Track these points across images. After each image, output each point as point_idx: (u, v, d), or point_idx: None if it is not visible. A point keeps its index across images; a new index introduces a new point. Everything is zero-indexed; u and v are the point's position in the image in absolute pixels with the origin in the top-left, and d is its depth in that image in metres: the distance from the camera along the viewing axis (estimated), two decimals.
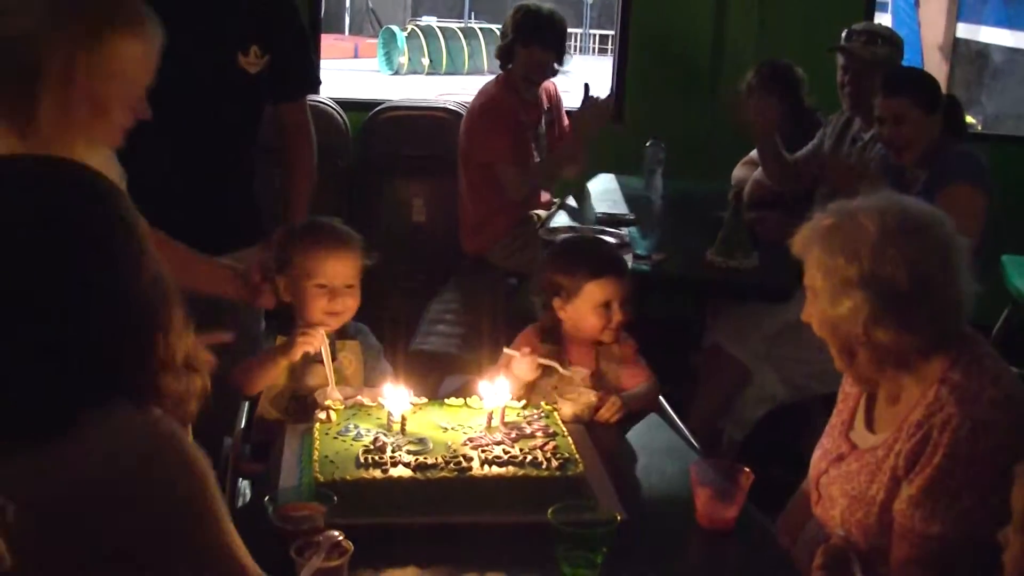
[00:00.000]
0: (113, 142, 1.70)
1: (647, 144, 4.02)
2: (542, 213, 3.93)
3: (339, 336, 2.24)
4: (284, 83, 2.60)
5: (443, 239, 4.26)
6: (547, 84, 3.96)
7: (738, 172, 4.16)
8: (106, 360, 1.11)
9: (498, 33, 3.99)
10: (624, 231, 3.39)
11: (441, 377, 3.60)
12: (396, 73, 12.87)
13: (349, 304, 2.21)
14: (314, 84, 2.83)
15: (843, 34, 3.55)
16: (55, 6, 1.57)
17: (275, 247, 2.26)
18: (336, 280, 2.18)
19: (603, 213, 3.70)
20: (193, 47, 2.34)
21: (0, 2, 1.61)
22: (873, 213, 1.65)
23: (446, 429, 1.90)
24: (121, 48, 1.59)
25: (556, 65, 3.81)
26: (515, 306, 3.61)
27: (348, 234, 2.23)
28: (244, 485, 2.08)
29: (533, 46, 3.71)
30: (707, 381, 3.37)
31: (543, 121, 3.93)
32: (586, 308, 2.21)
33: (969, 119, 4.84)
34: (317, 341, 2.12)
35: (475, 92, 3.95)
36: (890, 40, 3.51)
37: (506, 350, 2.19)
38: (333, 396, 2.03)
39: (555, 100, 4.03)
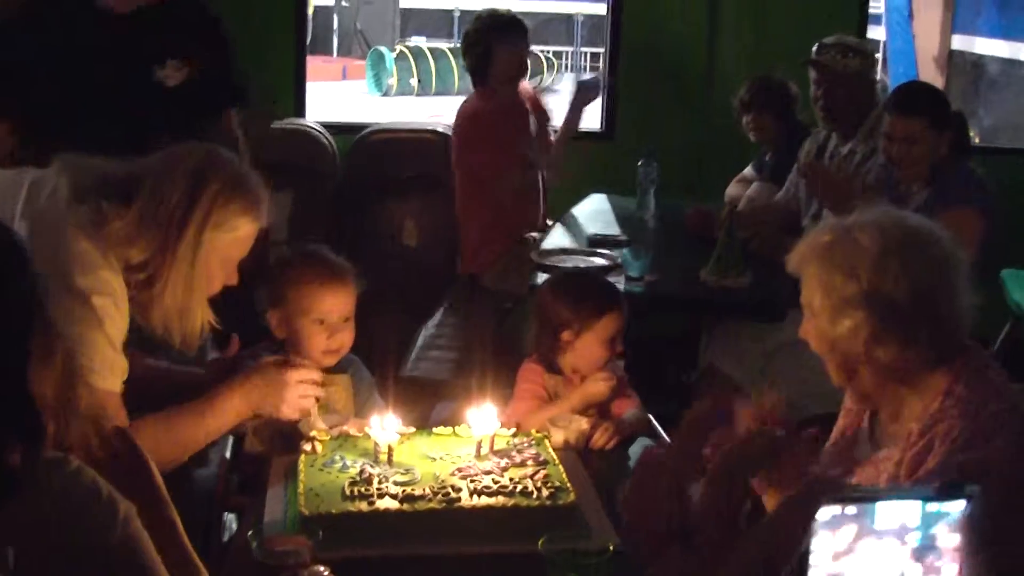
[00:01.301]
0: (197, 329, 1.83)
1: (639, 163, 4.02)
2: (536, 236, 3.93)
3: (328, 370, 2.21)
4: (205, 96, 2.57)
5: (435, 261, 4.27)
6: (530, 94, 3.99)
7: (731, 190, 4.17)
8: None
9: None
10: (616, 252, 3.38)
11: (432, 404, 3.60)
12: (385, 94, 12.91)
13: (346, 340, 2.18)
14: (237, 96, 2.76)
15: (814, 48, 3.56)
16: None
17: (267, 280, 2.24)
18: (333, 315, 2.15)
19: (595, 234, 3.69)
20: (110, 61, 2.35)
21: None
22: (872, 229, 1.64)
23: (434, 459, 1.90)
24: (242, 222, 1.80)
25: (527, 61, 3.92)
26: (506, 328, 3.61)
27: (342, 265, 2.20)
28: (230, 519, 2.08)
29: (506, 40, 3.80)
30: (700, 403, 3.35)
31: (532, 119, 3.94)
32: (595, 342, 2.23)
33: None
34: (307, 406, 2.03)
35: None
36: (861, 52, 3.53)
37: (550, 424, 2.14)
38: (317, 426, 2.01)
39: (540, 110, 4.04)
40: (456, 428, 2.03)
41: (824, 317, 1.68)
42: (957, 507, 0.74)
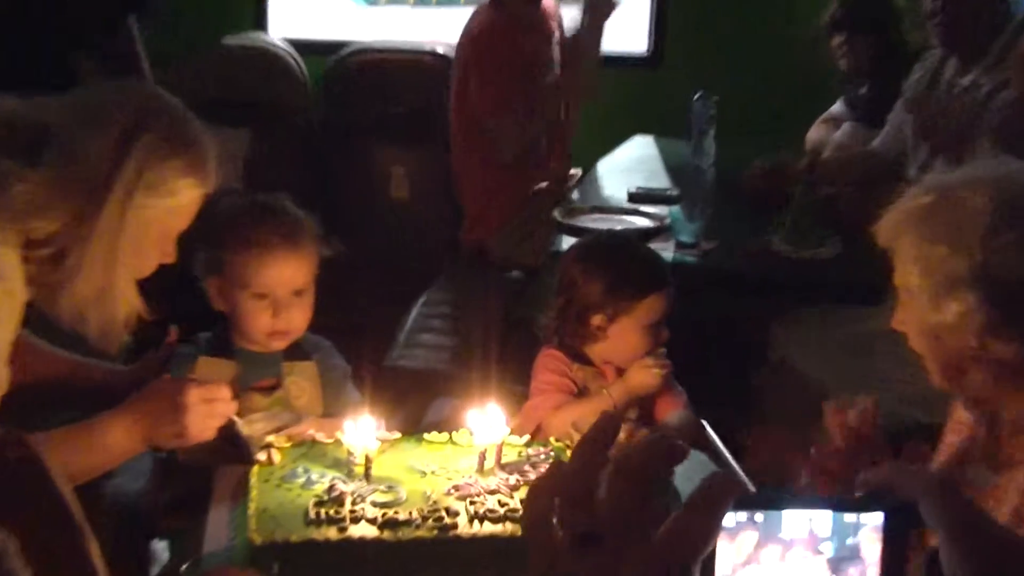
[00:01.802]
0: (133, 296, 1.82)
1: (695, 98, 3.98)
2: (555, 190, 3.90)
3: (288, 356, 2.22)
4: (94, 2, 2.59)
5: (430, 222, 4.28)
6: (554, 10, 3.94)
7: (813, 133, 4.13)
8: None
9: None
10: (663, 211, 3.37)
11: (424, 403, 3.59)
12: (373, 4, 12.86)
13: (296, 319, 2.19)
14: (136, 4, 2.78)
15: None
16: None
17: (207, 236, 2.22)
18: (279, 288, 2.16)
19: (638, 188, 3.68)
20: None
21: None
22: (986, 187, 1.62)
23: (424, 473, 1.91)
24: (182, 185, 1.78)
25: None
26: (519, 308, 3.59)
27: (295, 223, 2.20)
28: (160, 547, 2.05)
29: None
30: (771, 407, 3.33)
31: (554, 44, 3.90)
32: (634, 330, 2.24)
33: None
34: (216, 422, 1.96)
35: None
36: None
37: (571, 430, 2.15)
38: (256, 427, 1.98)
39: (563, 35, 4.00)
40: (453, 434, 2.03)
41: (924, 301, 1.66)
42: (875, 519, 0.80)
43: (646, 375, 2.22)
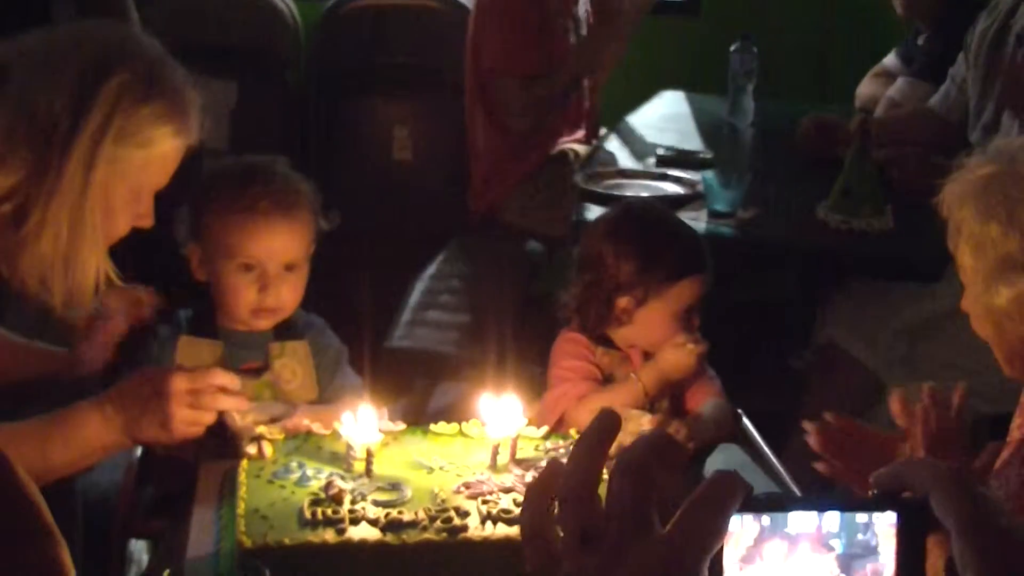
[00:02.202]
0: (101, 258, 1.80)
1: (732, 48, 3.97)
2: (579, 149, 3.90)
3: (278, 335, 2.23)
4: None
5: (436, 186, 4.26)
6: None
7: (865, 89, 4.11)
8: None
9: None
10: (696, 176, 3.35)
11: (430, 388, 3.59)
12: None
13: (287, 296, 2.20)
14: None
15: None
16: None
17: (189, 199, 2.25)
18: (268, 261, 2.17)
19: (668, 149, 3.66)
20: None
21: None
22: None
23: (431, 469, 1.91)
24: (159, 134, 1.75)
25: None
26: (536, 284, 3.59)
27: (292, 189, 2.21)
28: (138, 549, 2.10)
29: None
30: (817, 395, 3.32)
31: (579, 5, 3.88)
32: (664, 314, 2.24)
33: None
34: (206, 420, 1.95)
35: None
36: None
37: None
38: (247, 420, 1.98)
39: None
40: (463, 425, 2.03)
41: (979, 284, 1.68)
42: (888, 519, 0.82)
43: (680, 355, 2.22)
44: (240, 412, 1.99)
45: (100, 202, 1.75)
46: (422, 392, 3.58)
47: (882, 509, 0.84)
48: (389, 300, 3.62)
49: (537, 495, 0.80)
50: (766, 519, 0.82)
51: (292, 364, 2.22)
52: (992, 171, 1.66)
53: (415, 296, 3.62)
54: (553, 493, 0.78)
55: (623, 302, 2.24)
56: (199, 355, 2.15)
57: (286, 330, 2.24)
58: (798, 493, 2.13)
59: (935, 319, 3.13)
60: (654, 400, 2.22)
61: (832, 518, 0.84)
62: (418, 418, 3.47)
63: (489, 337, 3.38)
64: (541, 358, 2.46)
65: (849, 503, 0.84)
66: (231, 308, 2.20)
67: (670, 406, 2.27)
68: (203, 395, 1.88)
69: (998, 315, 1.66)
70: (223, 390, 1.90)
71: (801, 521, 0.83)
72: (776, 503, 0.82)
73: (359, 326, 2.93)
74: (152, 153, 1.78)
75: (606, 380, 2.27)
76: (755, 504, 0.81)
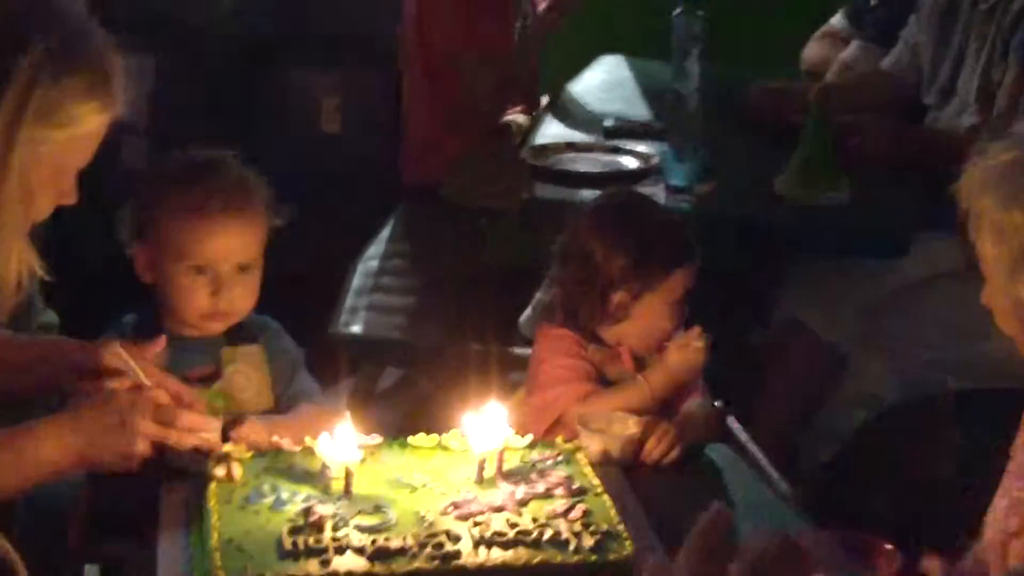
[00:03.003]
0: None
1: (675, 12, 3.92)
2: (521, 120, 3.85)
3: (231, 339, 2.17)
4: None
5: (370, 161, 4.17)
6: None
7: (812, 51, 4.10)
8: None
9: None
10: (650, 149, 3.31)
11: (377, 372, 3.53)
12: None
13: (240, 299, 2.14)
14: None
15: None
16: None
17: (131, 195, 2.20)
18: (222, 263, 2.11)
19: (616, 119, 3.62)
20: None
21: None
22: None
23: (414, 488, 1.86)
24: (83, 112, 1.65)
25: None
26: (485, 256, 3.53)
27: (244, 186, 2.15)
28: (94, 572, 2.00)
29: None
30: (778, 373, 3.32)
31: None
32: (659, 306, 2.23)
33: None
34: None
35: None
36: None
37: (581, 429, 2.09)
38: (204, 435, 1.88)
39: None
40: (443, 437, 2.00)
41: (1002, 274, 1.67)
42: None
43: (688, 354, 2.19)
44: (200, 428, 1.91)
45: (19, 186, 1.66)
46: (369, 376, 3.52)
47: None
48: (328, 286, 3.53)
49: None
50: None
51: (246, 370, 2.16)
52: (1015, 156, 1.65)
53: (356, 279, 3.53)
54: None
55: (618, 297, 2.21)
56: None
57: (239, 334, 2.18)
58: (786, 489, 2.12)
59: (899, 291, 3.13)
60: (661, 403, 2.18)
61: None
62: (366, 402, 3.47)
63: (437, 319, 3.32)
64: (497, 334, 2.41)
65: None
66: (181, 312, 2.14)
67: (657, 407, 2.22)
68: (172, 435, 1.83)
69: (1021, 308, 1.65)
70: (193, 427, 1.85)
71: None
72: None
73: (302, 318, 2.85)
74: (75, 132, 1.69)
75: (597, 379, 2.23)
76: None
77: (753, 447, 2.26)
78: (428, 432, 2.00)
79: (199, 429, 1.87)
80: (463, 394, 2.30)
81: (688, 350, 2.19)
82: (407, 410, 3.42)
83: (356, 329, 3.29)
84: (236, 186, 2.14)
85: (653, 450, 2.08)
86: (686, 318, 2.26)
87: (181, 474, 1.93)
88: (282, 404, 2.17)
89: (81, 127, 1.68)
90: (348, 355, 3.23)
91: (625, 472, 2.03)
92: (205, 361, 2.14)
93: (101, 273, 2.37)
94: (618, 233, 2.24)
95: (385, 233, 3.75)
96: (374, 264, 3.60)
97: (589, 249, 2.23)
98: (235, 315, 2.16)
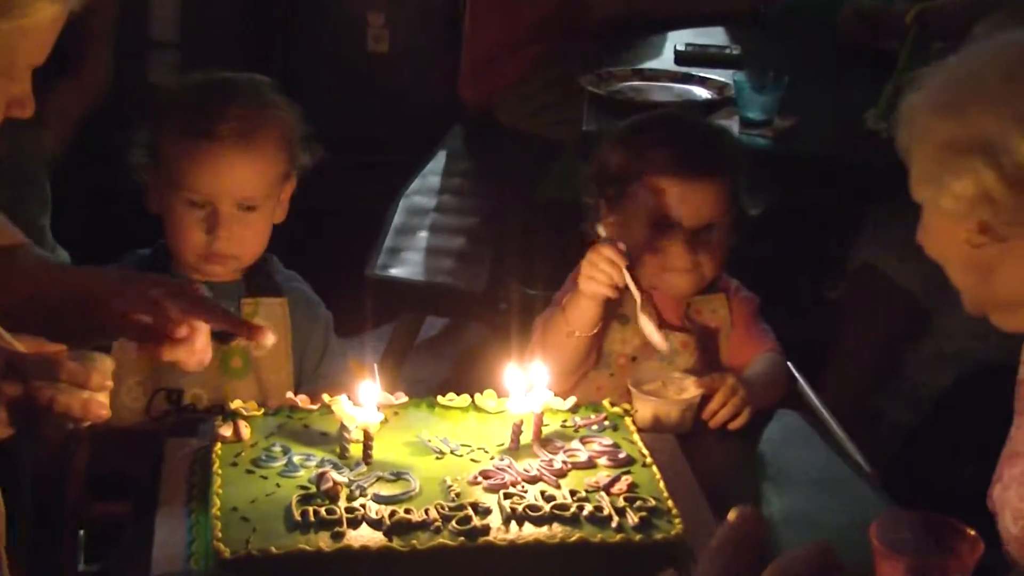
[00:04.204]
0: None
1: None
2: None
3: (251, 288, 2.14)
4: None
5: (421, 83, 4.21)
6: None
7: None
8: None
9: None
10: (724, 77, 3.27)
11: (417, 322, 3.50)
12: None
13: (242, 241, 2.09)
14: None
15: None
16: None
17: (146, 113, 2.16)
18: (222, 198, 2.06)
19: (688, 45, 3.60)
20: None
21: None
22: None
23: (441, 454, 1.83)
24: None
25: None
26: (544, 192, 3.52)
27: (261, 114, 2.09)
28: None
29: None
30: (854, 328, 3.28)
31: None
32: (637, 223, 2.17)
33: None
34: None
35: None
36: None
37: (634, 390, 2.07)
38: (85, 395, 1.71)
39: None
40: (477, 397, 1.96)
41: (932, 188, 1.74)
42: None
43: (662, 404, 2.05)
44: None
45: None
46: (409, 325, 3.50)
47: None
48: (366, 220, 3.51)
49: None
50: None
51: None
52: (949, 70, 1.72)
53: (398, 217, 3.54)
54: None
55: (603, 210, 2.21)
56: None
57: (262, 282, 2.17)
58: (864, 465, 2.06)
59: None
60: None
61: None
62: (404, 355, 3.45)
63: (488, 262, 3.29)
64: (552, 281, 2.40)
65: None
66: (178, 250, 2.12)
67: (705, 361, 2.20)
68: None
69: (952, 221, 1.74)
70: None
71: None
72: None
73: (338, 257, 2.83)
74: (24, 23, 1.64)
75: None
76: None
77: (826, 413, 2.19)
78: (473, 392, 1.97)
79: (82, 384, 1.50)
80: (516, 347, 2.28)
81: (670, 399, 2.06)
82: (451, 366, 3.41)
83: (396, 272, 3.29)
84: (250, 114, 2.08)
85: (719, 413, 2.05)
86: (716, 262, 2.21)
87: (188, 430, 1.91)
88: (309, 381, 2.15)
89: (31, 18, 1.63)
90: (385, 301, 3.21)
91: (680, 440, 1.99)
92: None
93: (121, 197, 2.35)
94: (628, 131, 2.25)
95: (432, 165, 3.76)
96: (419, 200, 3.59)
97: (599, 157, 2.25)
98: (236, 259, 2.12)
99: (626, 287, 2.11)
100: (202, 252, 2.08)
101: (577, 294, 2.13)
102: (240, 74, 2.18)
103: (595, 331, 2.16)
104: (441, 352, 3.65)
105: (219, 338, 2.02)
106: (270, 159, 2.09)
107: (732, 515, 1.02)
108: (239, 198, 2.07)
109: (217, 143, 2.05)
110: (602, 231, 2.15)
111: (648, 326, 2.12)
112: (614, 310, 2.19)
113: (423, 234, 3.47)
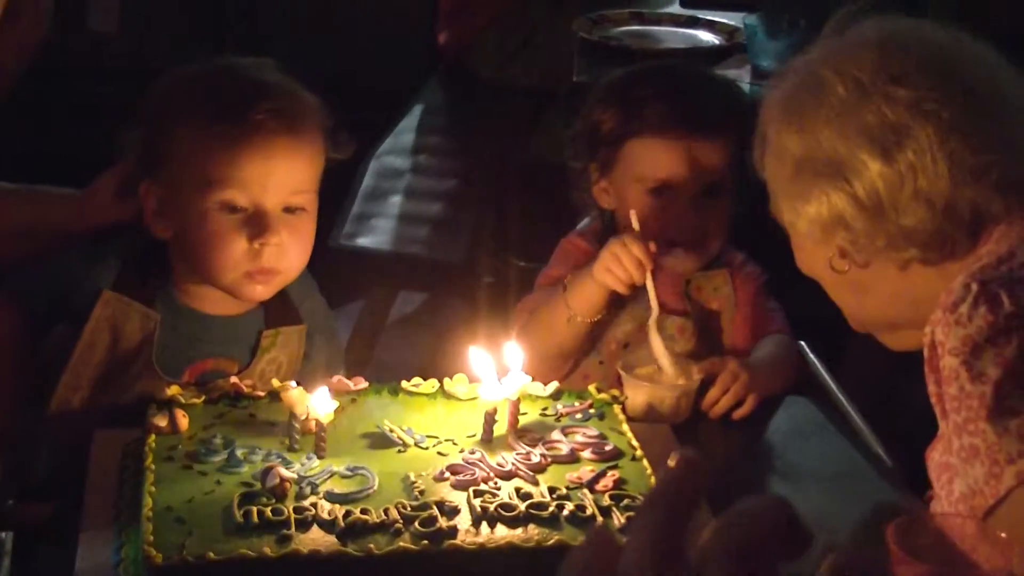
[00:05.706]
0: None
1: None
2: None
3: (270, 319, 2.09)
4: None
5: (390, 31, 4.20)
6: None
7: None
8: None
9: None
10: (735, 22, 3.30)
11: (390, 298, 3.51)
12: None
13: (291, 250, 2.00)
14: None
15: None
16: None
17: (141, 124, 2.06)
18: (271, 194, 1.96)
19: None
20: None
21: None
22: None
23: (404, 446, 1.85)
24: None
25: None
26: (527, 150, 3.51)
27: (297, 101, 2.01)
28: (6, 538, 1.90)
29: None
30: None
31: None
32: (632, 189, 2.20)
33: None
34: None
35: None
36: None
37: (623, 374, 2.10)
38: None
39: None
40: (446, 382, 1.96)
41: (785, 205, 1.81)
42: None
43: (656, 389, 2.06)
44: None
45: None
46: (380, 302, 3.50)
47: None
48: (331, 183, 3.50)
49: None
50: None
51: (280, 357, 2.11)
52: (794, 83, 1.81)
53: (368, 179, 3.55)
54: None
55: (595, 172, 2.25)
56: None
57: (283, 310, 2.12)
58: (885, 458, 2.07)
59: None
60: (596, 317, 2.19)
61: None
62: (375, 335, 3.45)
63: (470, 230, 3.28)
64: (541, 251, 2.44)
65: None
66: (211, 271, 2.00)
67: (706, 346, 2.21)
68: None
69: (809, 242, 1.81)
70: None
71: None
72: None
73: None
74: None
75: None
76: None
77: (844, 400, 2.20)
78: (446, 375, 1.96)
79: None
80: (498, 326, 2.32)
81: (664, 384, 2.07)
82: (428, 348, 3.41)
83: (365, 241, 3.30)
84: (288, 97, 2.01)
85: (720, 401, 2.07)
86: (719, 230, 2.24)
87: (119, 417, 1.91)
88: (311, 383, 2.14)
89: None
90: (352, 275, 3.21)
91: (676, 431, 2.00)
92: (238, 349, 2.08)
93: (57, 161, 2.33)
94: (622, 84, 2.27)
95: (406, 122, 3.75)
96: (391, 161, 3.59)
97: (589, 115, 2.26)
98: (283, 274, 2.02)
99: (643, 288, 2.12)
100: (246, 267, 1.98)
101: (585, 277, 2.12)
102: (246, 58, 2.11)
103: (598, 317, 2.16)
104: (417, 333, 3.65)
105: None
106: (316, 146, 2.03)
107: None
108: (288, 191, 1.98)
109: (261, 130, 1.95)
110: (635, 223, 2.13)
111: (659, 346, 2.09)
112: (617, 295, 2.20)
113: (396, 199, 3.48)
